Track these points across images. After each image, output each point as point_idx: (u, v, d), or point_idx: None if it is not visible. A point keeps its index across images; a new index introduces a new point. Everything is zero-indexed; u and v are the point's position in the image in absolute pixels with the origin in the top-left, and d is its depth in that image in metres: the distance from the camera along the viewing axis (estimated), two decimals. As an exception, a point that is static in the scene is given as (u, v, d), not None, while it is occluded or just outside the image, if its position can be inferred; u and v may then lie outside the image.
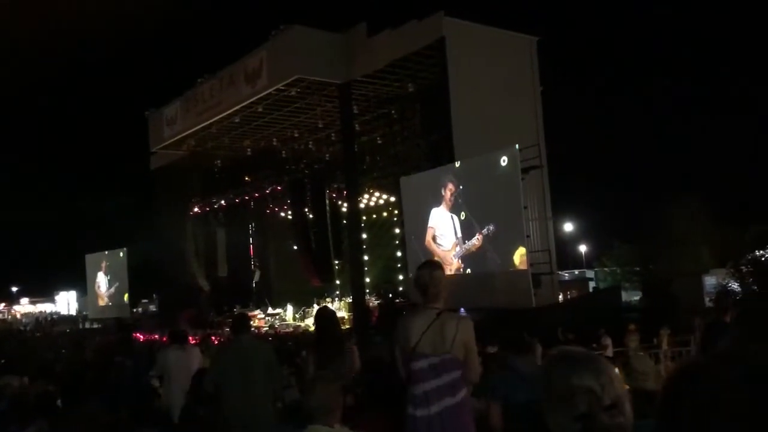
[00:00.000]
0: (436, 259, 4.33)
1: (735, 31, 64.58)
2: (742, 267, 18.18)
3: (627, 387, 1.46)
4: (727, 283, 18.33)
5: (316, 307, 19.55)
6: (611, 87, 70.03)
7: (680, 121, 60.98)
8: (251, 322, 13.79)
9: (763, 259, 18.19)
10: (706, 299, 18.91)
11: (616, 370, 1.50)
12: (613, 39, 72.14)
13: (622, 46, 72.56)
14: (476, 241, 14.55)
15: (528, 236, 13.78)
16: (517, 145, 13.78)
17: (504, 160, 13.79)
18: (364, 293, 19.35)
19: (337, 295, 22.05)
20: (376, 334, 14.43)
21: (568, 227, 37.92)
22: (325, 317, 5.47)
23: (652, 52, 68.49)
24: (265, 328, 20.09)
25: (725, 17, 62.97)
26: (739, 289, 18.19)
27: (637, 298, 21.52)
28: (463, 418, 3.54)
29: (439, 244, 15.78)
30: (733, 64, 63.36)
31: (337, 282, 22.75)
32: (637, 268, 25.03)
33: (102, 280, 28.81)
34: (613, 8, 74.24)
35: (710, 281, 19.93)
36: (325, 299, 20.94)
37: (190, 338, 10.10)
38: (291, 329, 19.38)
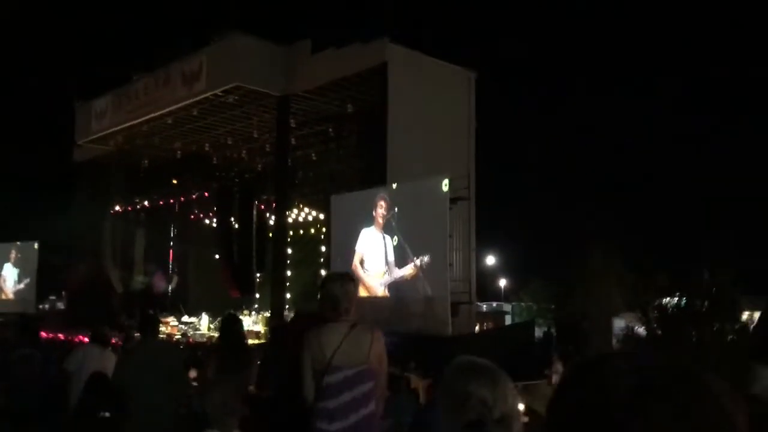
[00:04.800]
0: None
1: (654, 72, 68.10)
2: (649, 312, 19.05)
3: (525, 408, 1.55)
4: (634, 327, 19.17)
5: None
6: (539, 127, 72.46)
7: (604, 165, 63.59)
8: (162, 327, 13.40)
9: (668, 306, 19.13)
10: (614, 340, 19.69)
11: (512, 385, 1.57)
12: (545, 80, 74.78)
13: (552, 88, 75.32)
14: (411, 269, 14.26)
15: (450, 265, 13.97)
16: (447, 177, 13.92)
17: (443, 186, 13.79)
18: (284, 309, 19.13)
19: (255, 309, 21.69)
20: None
21: (490, 260, 38.79)
22: (231, 324, 5.45)
23: (578, 96, 71.42)
24: (177, 336, 19.51)
25: (653, 60, 66.26)
26: (645, 333, 19.02)
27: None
28: (375, 427, 3.60)
29: (366, 270, 15.41)
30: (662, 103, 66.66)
31: (257, 295, 22.39)
32: (552, 306, 25.80)
33: (9, 273, 27.31)
34: (547, 51, 77.12)
35: (619, 324, 20.76)
36: (243, 312, 20.55)
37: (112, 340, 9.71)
38: (204, 339, 18.90)
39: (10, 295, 27.02)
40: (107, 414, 3.09)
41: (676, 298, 20.23)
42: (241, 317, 19.13)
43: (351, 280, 3.94)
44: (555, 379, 13.80)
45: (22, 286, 26.46)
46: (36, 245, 26.04)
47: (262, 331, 19.25)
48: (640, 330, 19.30)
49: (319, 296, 4.44)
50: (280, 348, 5.29)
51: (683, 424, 0.86)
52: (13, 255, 27.24)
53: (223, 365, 4.91)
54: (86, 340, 9.45)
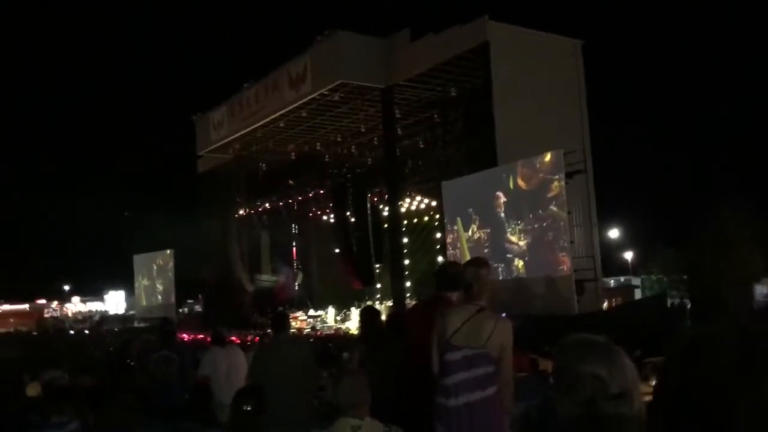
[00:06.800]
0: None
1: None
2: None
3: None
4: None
5: (355, 310, 19.67)
6: (657, 89, 68.67)
7: (726, 124, 59.42)
8: (292, 323, 13.97)
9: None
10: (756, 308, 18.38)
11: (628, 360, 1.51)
12: (659, 40, 70.75)
13: (667, 48, 71.09)
14: (522, 245, 14.26)
15: (572, 242, 13.58)
16: (562, 151, 13.56)
17: (549, 163, 13.55)
18: (405, 297, 19.36)
19: (377, 299, 22.11)
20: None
21: (614, 234, 37.27)
22: (371, 314, 5.53)
23: (697, 53, 66.97)
24: (306, 330, 20.28)
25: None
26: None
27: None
28: (493, 412, 3.66)
29: (484, 251, 15.15)
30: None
31: (378, 285, 22.82)
32: (684, 276, 24.44)
33: (152, 281, 29.46)
34: (660, 11, 72.85)
35: (761, 290, 19.37)
36: (365, 302, 21.01)
37: (234, 338, 10.29)
38: (332, 331, 19.53)
39: (154, 302, 29.13)
40: (249, 408, 3.36)
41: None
42: (369, 304, 19.66)
43: (485, 265, 4.01)
44: None
45: (164, 292, 28.44)
46: (169, 252, 27.87)
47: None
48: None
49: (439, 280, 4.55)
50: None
51: None
52: (154, 264, 29.33)
53: (366, 358, 5.01)
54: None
